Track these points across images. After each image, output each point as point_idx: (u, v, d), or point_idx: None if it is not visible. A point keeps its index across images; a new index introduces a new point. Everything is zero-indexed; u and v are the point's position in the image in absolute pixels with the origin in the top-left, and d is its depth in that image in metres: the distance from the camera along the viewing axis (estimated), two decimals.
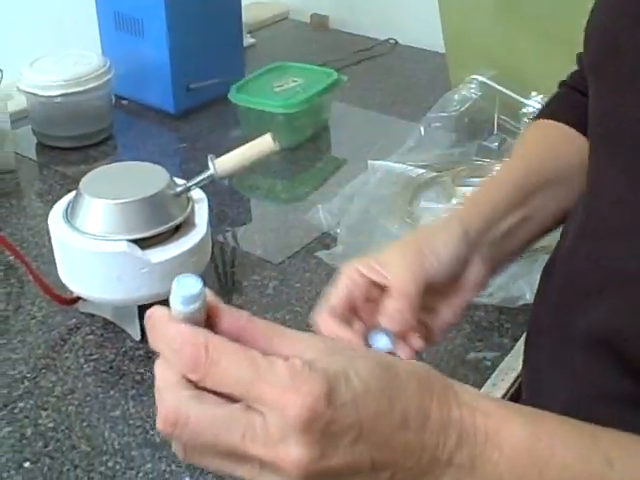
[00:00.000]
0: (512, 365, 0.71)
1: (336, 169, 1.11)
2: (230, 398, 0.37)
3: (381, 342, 0.54)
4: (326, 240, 0.91)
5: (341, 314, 0.55)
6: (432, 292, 0.56)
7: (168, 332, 0.38)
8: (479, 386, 0.69)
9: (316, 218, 0.93)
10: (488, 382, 0.69)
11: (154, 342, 0.39)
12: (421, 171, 1.03)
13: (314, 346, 0.39)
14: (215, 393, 0.37)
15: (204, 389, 0.38)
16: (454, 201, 0.96)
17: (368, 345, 0.54)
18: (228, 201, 1.00)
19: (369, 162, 1.03)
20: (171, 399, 0.38)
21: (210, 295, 0.39)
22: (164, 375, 0.39)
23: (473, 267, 0.58)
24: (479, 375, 0.71)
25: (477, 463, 0.40)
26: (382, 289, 0.56)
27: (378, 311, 0.55)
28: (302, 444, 0.36)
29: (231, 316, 0.40)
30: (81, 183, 0.74)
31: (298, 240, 0.91)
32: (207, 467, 0.40)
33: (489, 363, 0.72)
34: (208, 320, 0.39)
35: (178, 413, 0.37)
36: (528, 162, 0.65)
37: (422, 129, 1.08)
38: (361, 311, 0.57)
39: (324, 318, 0.55)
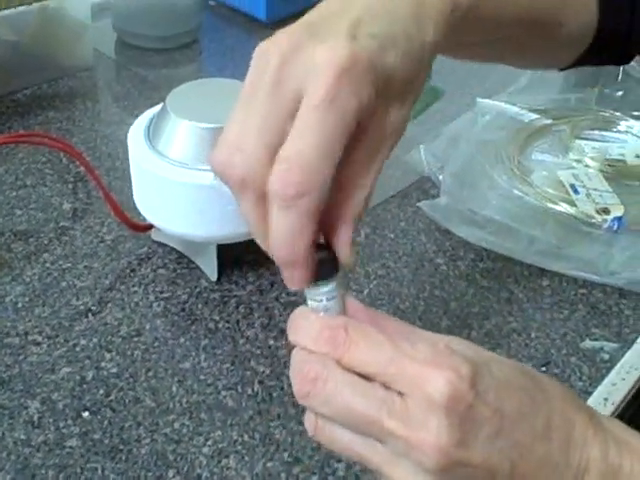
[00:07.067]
0: (635, 362, 0.62)
1: (434, 100, 1.01)
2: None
3: None
4: (425, 185, 0.82)
5: None
6: None
7: (307, 321, 0.37)
8: (595, 383, 0.60)
9: (416, 159, 0.83)
10: (606, 380, 0.61)
11: (293, 335, 0.38)
12: (534, 116, 0.92)
13: (453, 343, 0.37)
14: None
15: None
16: (571, 155, 0.86)
17: None
18: None
19: (478, 100, 0.92)
20: (315, 359, 0.36)
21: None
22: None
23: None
24: (595, 369, 0.62)
25: None
26: None
27: None
28: (444, 425, 0.34)
29: (365, 311, 0.39)
30: (167, 99, 0.65)
31: (394, 182, 0.82)
32: (335, 445, 0.38)
33: (607, 356, 0.63)
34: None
35: (319, 371, 0.36)
36: None
37: None
38: None
39: None
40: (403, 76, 0.39)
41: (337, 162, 0.35)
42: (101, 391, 0.58)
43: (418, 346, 0.35)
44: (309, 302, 0.38)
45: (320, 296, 0.37)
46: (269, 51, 0.37)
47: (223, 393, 0.58)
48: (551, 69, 0.67)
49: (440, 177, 0.80)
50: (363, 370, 0.35)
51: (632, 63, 0.98)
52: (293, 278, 0.37)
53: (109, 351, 0.61)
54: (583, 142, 0.88)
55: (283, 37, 0.37)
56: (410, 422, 0.34)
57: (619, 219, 0.74)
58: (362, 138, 0.38)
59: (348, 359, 0.35)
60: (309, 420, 0.38)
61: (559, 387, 0.38)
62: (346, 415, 0.35)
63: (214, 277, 0.68)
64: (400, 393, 0.35)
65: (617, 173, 0.83)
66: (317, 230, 0.36)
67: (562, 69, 0.62)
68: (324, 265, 0.37)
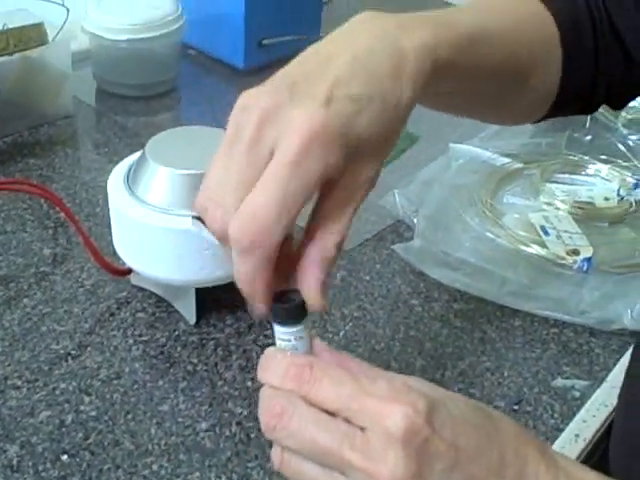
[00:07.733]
0: (605, 399, 0.64)
1: (410, 145, 1.03)
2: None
3: None
4: (400, 228, 0.83)
5: None
6: None
7: (275, 360, 0.40)
8: (567, 420, 0.62)
9: (391, 203, 0.85)
10: (577, 417, 0.62)
11: (262, 373, 0.40)
12: (506, 160, 0.94)
13: (411, 380, 0.39)
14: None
15: None
16: (542, 198, 0.88)
17: None
18: None
19: (451, 145, 0.95)
20: (281, 395, 0.39)
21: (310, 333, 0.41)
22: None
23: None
24: (566, 407, 0.63)
25: None
26: None
27: None
28: (400, 457, 0.36)
29: (330, 351, 0.41)
30: (147, 146, 0.67)
31: (370, 226, 0.84)
32: (299, 478, 0.39)
33: (578, 394, 0.65)
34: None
35: (285, 406, 0.38)
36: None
37: None
38: None
39: None
40: (378, 135, 0.41)
41: (294, 220, 0.39)
42: (80, 434, 0.58)
43: (378, 383, 0.37)
44: (278, 342, 0.41)
45: (288, 336, 0.40)
46: (250, 107, 0.39)
47: (201, 435, 0.59)
48: (523, 123, 0.69)
49: (414, 220, 0.82)
50: (327, 406, 0.37)
51: (599, 109, 1.03)
52: (254, 310, 0.41)
53: (88, 394, 0.61)
54: (553, 185, 0.90)
55: (265, 96, 0.39)
56: (370, 455, 0.36)
57: (588, 260, 0.76)
58: (334, 190, 0.40)
59: (313, 395, 0.38)
60: (275, 454, 0.40)
61: (512, 424, 0.40)
62: (310, 448, 0.37)
63: (193, 320, 0.69)
64: (362, 428, 0.36)
65: (586, 215, 0.85)
66: (273, 272, 0.40)
67: (534, 122, 0.64)
68: (293, 308, 0.39)
